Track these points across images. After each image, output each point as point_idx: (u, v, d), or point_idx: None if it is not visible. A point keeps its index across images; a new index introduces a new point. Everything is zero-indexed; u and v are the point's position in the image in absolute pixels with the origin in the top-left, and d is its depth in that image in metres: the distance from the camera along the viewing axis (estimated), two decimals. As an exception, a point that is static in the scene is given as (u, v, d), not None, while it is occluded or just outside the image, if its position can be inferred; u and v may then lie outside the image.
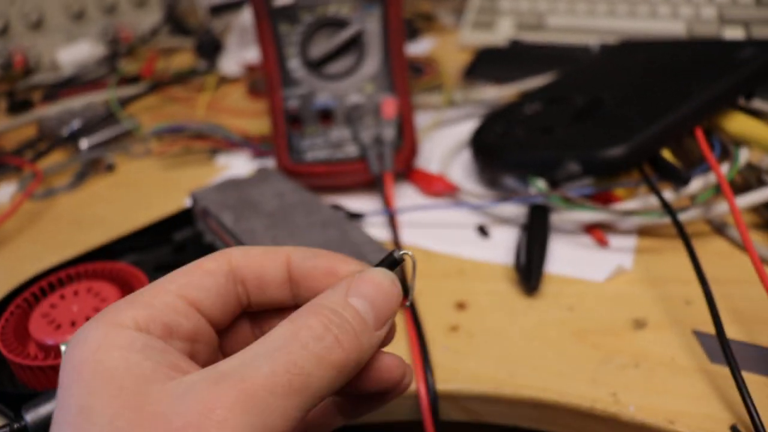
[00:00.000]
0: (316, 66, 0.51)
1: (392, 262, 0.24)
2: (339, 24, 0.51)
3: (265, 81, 0.53)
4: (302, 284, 0.24)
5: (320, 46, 0.51)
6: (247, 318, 0.26)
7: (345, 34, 0.50)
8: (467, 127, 0.60)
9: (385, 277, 0.23)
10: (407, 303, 0.25)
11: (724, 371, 0.33)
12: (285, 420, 0.19)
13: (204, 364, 0.21)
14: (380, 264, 0.24)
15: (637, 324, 0.38)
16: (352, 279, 0.23)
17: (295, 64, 0.51)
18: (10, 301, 0.41)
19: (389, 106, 0.50)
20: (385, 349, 0.24)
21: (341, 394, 0.24)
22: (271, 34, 0.52)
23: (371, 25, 0.51)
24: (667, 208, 0.40)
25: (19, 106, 0.77)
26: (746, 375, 0.33)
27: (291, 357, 0.19)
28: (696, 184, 0.44)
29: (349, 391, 0.23)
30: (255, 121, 0.71)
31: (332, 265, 0.24)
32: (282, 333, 0.20)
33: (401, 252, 0.24)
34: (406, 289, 0.25)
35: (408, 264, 0.24)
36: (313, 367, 0.20)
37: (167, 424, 0.18)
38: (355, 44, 0.51)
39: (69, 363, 0.20)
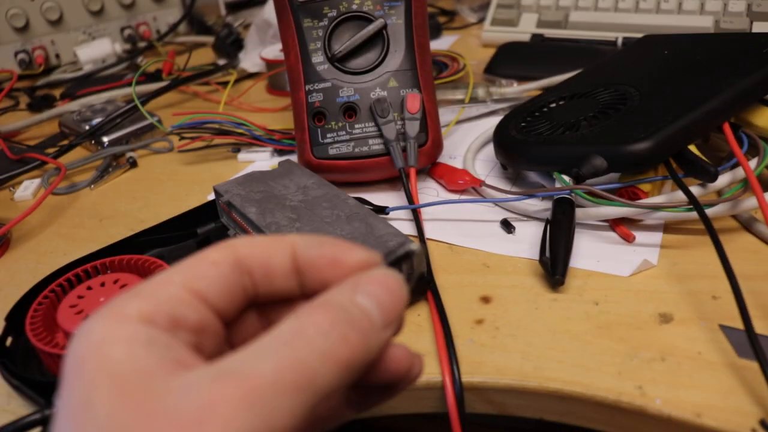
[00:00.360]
0: (339, 61, 0.51)
1: (398, 258, 0.24)
2: (363, 19, 0.51)
3: (288, 76, 0.53)
4: (308, 274, 0.24)
5: (344, 41, 0.51)
6: (255, 309, 0.25)
7: (369, 29, 0.50)
8: (490, 123, 0.60)
9: (391, 277, 0.22)
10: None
11: (752, 366, 0.33)
12: (290, 417, 0.18)
13: (210, 356, 0.21)
14: (387, 260, 0.24)
15: (663, 318, 0.38)
16: (360, 277, 0.22)
17: (318, 59, 0.51)
18: (38, 292, 0.41)
19: (413, 100, 0.50)
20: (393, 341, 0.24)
21: (349, 387, 0.24)
22: (294, 29, 0.52)
23: (395, 20, 0.51)
24: (695, 203, 0.40)
25: (40, 102, 0.78)
26: (775, 370, 0.33)
27: (296, 353, 0.19)
28: (723, 180, 0.43)
29: (357, 384, 0.23)
30: (276, 116, 0.71)
31: (337, 253, 0.23)
32: (288, 328, 0.20)
33: (405, 248, 0.24)
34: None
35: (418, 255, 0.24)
36: (318, 364, 0.19)
37: (169, 421, 0.17)
38: (378, 39, 0.51)
39: (72, 356, 0.20)
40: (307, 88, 0.51)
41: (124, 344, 0.19)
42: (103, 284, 0.42)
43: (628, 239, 0.44)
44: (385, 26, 0.51)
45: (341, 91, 0.51)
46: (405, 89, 0.50)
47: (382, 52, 0.51)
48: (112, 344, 0.19)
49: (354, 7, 0.51)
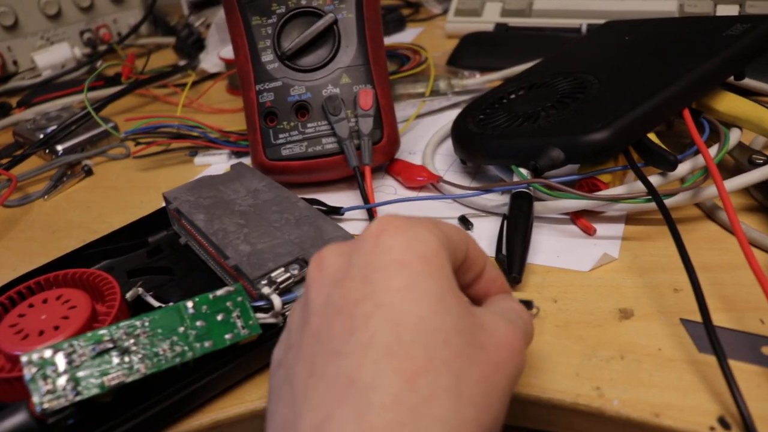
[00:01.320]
0: (290, 59, 0.49)
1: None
2: (312, 14, 0.50)
3: (238, 76, 0.51)
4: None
5: (293, 38, 0.49)
6: None
7: (318, 25, 0.49)
8: (451, 117, 0.58)
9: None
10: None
11: (712, 361, 0.32)
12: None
13: None
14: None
15: (623, 314, 0.37)
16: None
17: (268, 58, 0.50)
18: (-22, 312, 0.39)
19: (366, 96, 0.48)
20: None
21: None
22: (242, 28, 0.50)
23: (346, 14, 0.50)
24: (653, 194, 0.39)
25: (-4, 111, 0.76)
26: (735, 364, 0.32)
27: (528, 327, 0.28)
28: (684, 168, 0.42)
29: None
30: (235, 117, 0.69)
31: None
32: (517, 307, 0.29)
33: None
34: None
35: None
36: (531, 336, 0.28)
37: (491, 336, 0.24)
38: (329, 35, 0.50)
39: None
40: (257, 88, 0.50)
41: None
42: (45, 301, 0.40)
43: (589, 232, 0.43)
44: (335, 21, 0.49)
45: (292, 90, 0.49)
46: (358, 85, 0.49)
47: (333, 48, 0.49)
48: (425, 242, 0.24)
49: (303, 2, 0.49)
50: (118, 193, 0.58)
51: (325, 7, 0.50)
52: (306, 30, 0.49)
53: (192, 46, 0.84)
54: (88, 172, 0.62)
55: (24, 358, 0.34)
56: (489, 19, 0.81)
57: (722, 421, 0.29)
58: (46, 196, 0.59)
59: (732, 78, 0.48)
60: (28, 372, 0.33)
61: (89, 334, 0.34)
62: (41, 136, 0.65)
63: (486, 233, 0.44)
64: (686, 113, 0.43)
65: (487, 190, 0.45)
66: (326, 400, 0.21)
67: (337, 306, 0.23)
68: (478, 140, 0.47)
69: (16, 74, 0.88)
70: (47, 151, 0.65)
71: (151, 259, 0.46)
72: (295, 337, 0.25)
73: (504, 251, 0.40)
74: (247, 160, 0.57)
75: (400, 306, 0.22)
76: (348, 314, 0.23)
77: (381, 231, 0.24)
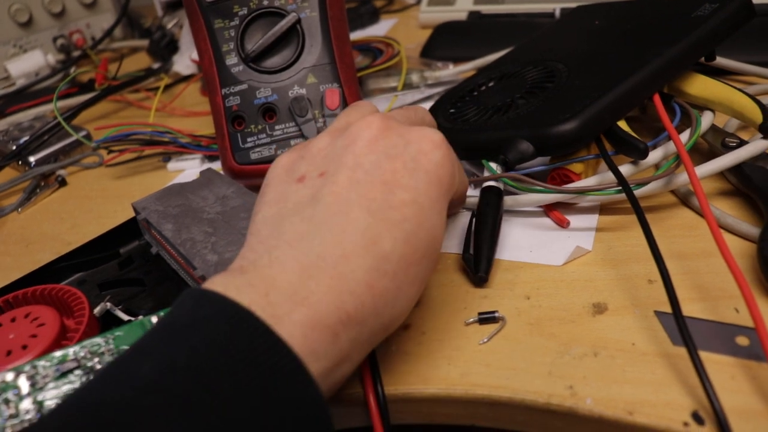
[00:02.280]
0: (254, 60, 0.49)
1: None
2: (275, 14, 0.49)
3: (204, 80, 0.51)
4: None
5: (257, 40, 0.48)
6: None
7: (281, 25, 0.48)
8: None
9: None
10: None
11: (687, 354, 0.31)
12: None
13: None
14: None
15: (596, 309, 0.36)
16: None
17: (232, 61, 0.49)
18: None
19: (332, 96, 0.47)
20: None
21: None
22: (205, 31, 0.49)
23: (309, 13, 0.49)
24: (622, 183, 0.38)
25: (-31, 123, 0.75)
26: (709, 356, 0.31)
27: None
28: (656, 155, 0.42)
29: None
30: (208, 120, 0.68)
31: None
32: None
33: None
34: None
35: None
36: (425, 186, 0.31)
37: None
38: (293, 34, 0.49)
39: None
40: (223, 92, 0.49)
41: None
42: (13, 319, 0.39)
43: (563, 224, 0.42)
44: (298, 20, 0.48)
45: (258, 92, 0.48)
46: (324, 85, 0.48)
47: (297, 48, 0.48)
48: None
49: (265, 3, 0.49)
50: (92, 203, 0.58)
51: (287, 6, 0.49)
52: (269, 31, 0.48)
53: (165, 48, 0.83)
54: (62, 183, 0.61)
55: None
56: (462, 7, 0.79)
57: (696, 416, 0.29)
58: (19, 209, 0.58)
59: (703, 59, 0.47)
60: (-11, 396, 0.33)
61: (53, 354, 0.33)
62: (14, 147, 0.64)
63: (456, 230, 0.44)
64: (656, 98, 0.43)
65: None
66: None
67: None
68: (449, 134, 0.46)
69: (-10, 85, 0.87)
70: (20, 162, 0.64)
71: (122, 270, 0.46)
72: (325, 163, 0.31)
73: (471, 250, 0.39)
74: (218, 165, 0.57)
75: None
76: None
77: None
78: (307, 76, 0.48)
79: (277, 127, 0.48)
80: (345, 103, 0.48)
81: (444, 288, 0.39)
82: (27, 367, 0.32)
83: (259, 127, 0.48)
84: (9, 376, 0.33)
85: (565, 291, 0.38)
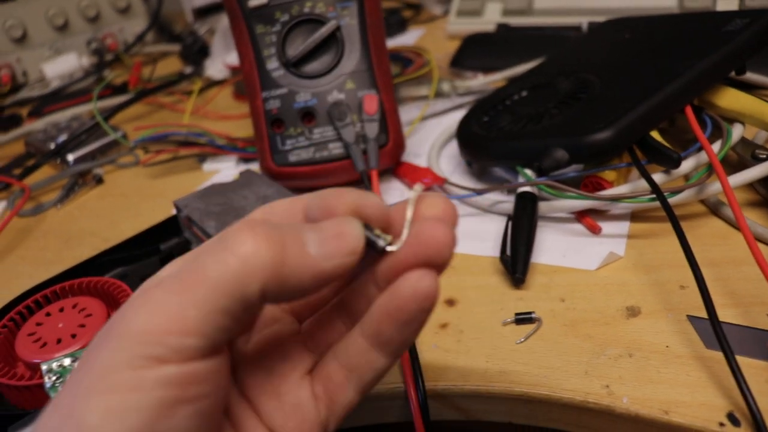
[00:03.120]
0: (294, 66, 0.50)
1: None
2: (316, 22, 0.50)
3: (244, 84, 0.52)
4: None
5: (297, 45, 0.50)
6: None
7: (322, 32, 0.49)
8: (455, 118, 0.59)
9: (348, 222, 0.22)
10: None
11: (720, 357, 0.32)
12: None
13: None
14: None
15: (630, 312, 0.37)
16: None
17: (273, 65, 0.50)
18: (-3, 321, 0.40)
19: (371, 101, 0.49)
20: None
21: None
22: (247, 36, 0.51)
23: (348, 21, 0.50)
24: (657, 192, 0.39)
25: (6, 122, 0.77)
26: (743, 360, 0.32)
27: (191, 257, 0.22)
28: (688, 164, 0.43)
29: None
30: (242, 123, 0.70)
31: (331, 206, 0.23)
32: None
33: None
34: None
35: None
36: (212, 261, 0.20)
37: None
38: (333, 41, 0.50)
39: None
40: (263, 96, 0.50)
41: None
42: (62, 310, 0.41)
43: (595, 231, 0.43)
44: (338, 28, 0.50)
45: (298, 97, 0.50)
46: (362, 90, 0.49)
47: (337, 55, 0.50)
48: None
49: (306, 10, 0.50)
50: (129, 201, 0.59)
51: (328, 14, 0.50)
52: (310, 37, 0.50)
53: (197, 53, 0.85)
54: (99, 181, 0.63)
55: (44, 367, 0.35)
56: (490, 18, 0.81)
57: (731, 417, 0.30)
58: (58, 206, 0.60)
59: (733, 73, 0.48)
60: (48, 380, 0.34)
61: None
62: (52, 146, 0.66)
63: (490, 234, 0.45)
64: (688, 110, 0.44)
65: (491, 190, 0.46)
66: None
67: None
68: (484, 142, 0.48)
69: (26, 85, 0.89)
70: (59, 161, 0.66)
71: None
72: None
73: (508, 252, 0.40)
74: (254, 166, 0.58)
75: None
76: None
77: None
78: (346, 81, 0.50)
79: (315, 131, 0.49)
80: (382, 109, 0.50)
81: (481, 289, 0.40)
82: (81, 354, 0.34)
83: (299, 130, 0.50)
84: (66, 361, 0.35)
85: (599, 294, 0.39)
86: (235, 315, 0.20)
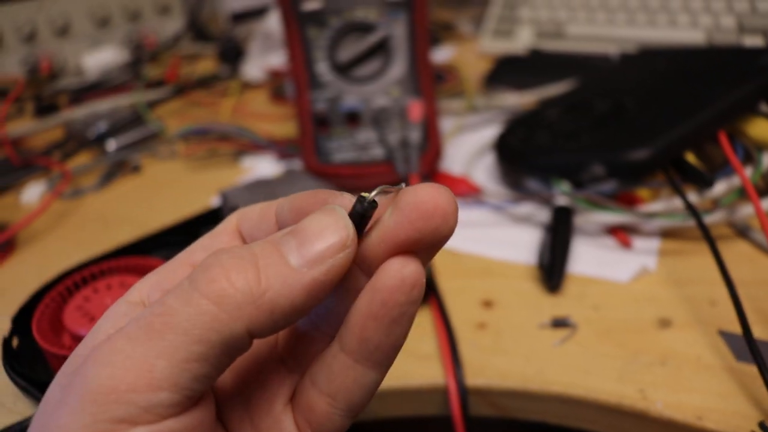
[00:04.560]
0: (343, 69, 0.52)
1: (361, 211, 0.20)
2: (366, 29, 0.52)
3: (293, 84, 0.54)
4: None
5: (348, 50, 0.52)
6: None
7: (372, 39, 0.51)
8: (489, 132, 0.60)
9: (327, 212, 0.19)
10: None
11: (751, 370, 0.34)
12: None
13: None
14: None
15: (662, 323, 0.38)
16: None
17: (322, 68, 0.52)
18: (45, 294, 0.41)
19: (416, 109, 0.50)
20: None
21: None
22: (299, 38, 0.53)
23: (397, 31, 0.52)
24: (692, 211, 0.41)
25: (45, 109, 0.78)
26: (773, 373, 0.34)
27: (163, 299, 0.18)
28: (720, 187, 0.44)
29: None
30: (279, 124, 0.72)
31: (303, 205, 0.21)
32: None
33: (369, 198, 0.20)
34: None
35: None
36: (180, 303, 0.17)
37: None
38: (381, 49, 0.52)
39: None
40: (311, 97, 0.52)
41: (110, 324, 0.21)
42: (109, 287, 0.42)
43: (626, 245, 0.45)
44: (387, 36, 0.52)
45: (344, 99, 0.51)
46: (407, 97, 0.51)
47: (384, 62, 0.52)
48: (98, 329, 0.21)
49: (358, 17, 0.52)
50: (167, 191, 0.61)
51: (378, 22, 0.52)
52: (359, 43, 0.52)
53: (233, 55, 0.87)
54: (137, 170, 0.64)
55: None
56: (522, 40, 0.83)
57: (763, 426, 0.31)
58: (97, 190, 0.61)
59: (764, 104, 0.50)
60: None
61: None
62: (92, 132, 0.68)
63: (524, 241, 0.46)
64: (722, 135, 0.45)
65: (528, 200, 0.47)
66: None
67: None
68: (523, 156, 0.50)
69: (64, 75, 0.91)
70: (98, 148, 0.67)
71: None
72: None
73: (545, 260, 0.42)
74: (292, 165, 0.60)
75: None
76: None
77: None
78: (392, 88, 0.51)
79: (359, 133, 0.51)
80: (426, 116, 0.51)
81: (517, 294, 0.42)
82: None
83: (343, 131, 0.51)
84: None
85: (631, 305, 0.40)
86: (215, 360, 0.17)
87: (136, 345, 0.17)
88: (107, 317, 0.21)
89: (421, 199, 0.18)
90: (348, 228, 0.19)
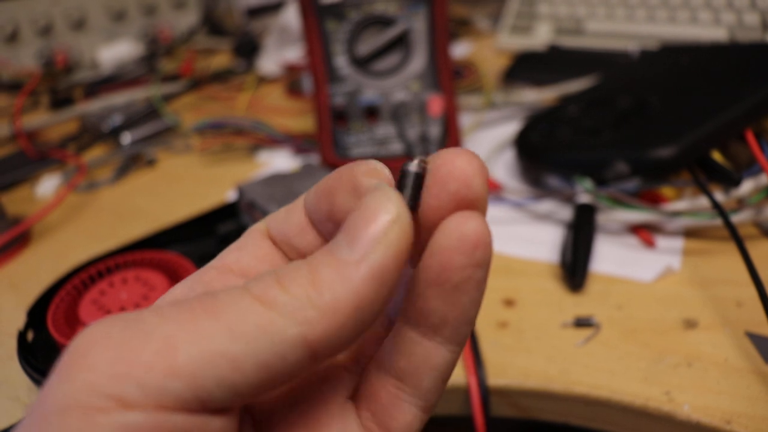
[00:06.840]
0: (362, 63, 0.51)
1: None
2: (385, 22, 0.51)
3: (311, 78, 0.53)
4: (318, 224, 0.20)
5: (367, 44, 0.51)
6: None
7: (391, 33, 0.51)
8: (508, 128, 0.60)
9: (369, 197, 0.17)
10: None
11: (781, 372, 0.33)
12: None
13: None
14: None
15: (687, 324, 0.37)
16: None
17: (341, 62, 0.51)
18: (60, 287, 0.41)
19: (436, 104, 0.50)
20: None
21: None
22: (318, 32, 0.52)
23: (417, 24, 0.51)
24: (719, 210, 0.40)
25: (61, 102, 0.78)
26: (804, 377, 0.33)
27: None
28: (747, 186, 0.43)
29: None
30: (294, 119, 0.71)
31: (329, 188, 0.19)
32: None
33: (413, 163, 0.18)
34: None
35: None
36: (230, 299, 0.16)
37: None
38: (401, 43, 0.51)
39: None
40: (329, 91, 0.51)
41: None
42: (125, 281, 0.42)
43: (650, 244, 0.44)
44: (407, 30, 0.51)
45: (363, 94, 0.51)
46: (426, 92, 0.51)
47: (404, 56, 0.51)
48: None
49: (377, 10, 0.51)
50: (182, 185, 0.60)
51: (398, 15, 0.51)
52: (379, 36, 0.51)
53: (249, 50, 0.87)
54: (152, 163, 0.64)
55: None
56: (540, 38, 0.82)
57: (792, 429, 0.30)
58: (112, 184, 0.61)
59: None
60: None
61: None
62: (107, 126, 0.67)
63: (546, 239, 0.46)
64: (749, 134, 0.44)
65: (550, 197, 0.47)
66: None
67: None
68: (544, 152, 0.49)
69: (80, 68, 0.91)
70: (113, 141, 0.67)
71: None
72: None
73: (568, 258, 0.41)
74: (308, 159, 0.59)
75: None
76: None
77: None
78: (411, 82, 0.51)
79: (378, 128, 0.50)
80: (445, 112, 0.51)
81: (539, 292, 0.41)
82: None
83: (361, 126, 0.51)
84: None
85: (656, 305, 0.39)
86: (251, 372, 0.15)
87: (167, 321, 0.15)
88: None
89: (446, 166, 0.17)
90: (392, 199, 0.16)
